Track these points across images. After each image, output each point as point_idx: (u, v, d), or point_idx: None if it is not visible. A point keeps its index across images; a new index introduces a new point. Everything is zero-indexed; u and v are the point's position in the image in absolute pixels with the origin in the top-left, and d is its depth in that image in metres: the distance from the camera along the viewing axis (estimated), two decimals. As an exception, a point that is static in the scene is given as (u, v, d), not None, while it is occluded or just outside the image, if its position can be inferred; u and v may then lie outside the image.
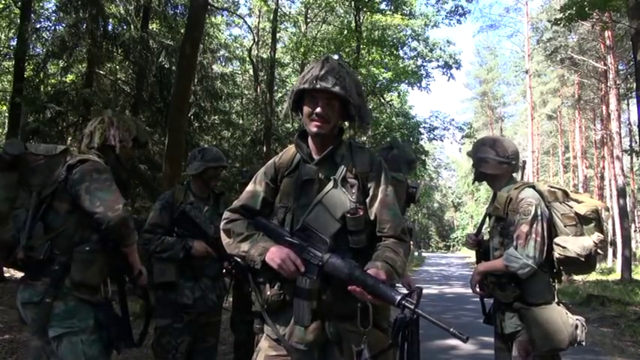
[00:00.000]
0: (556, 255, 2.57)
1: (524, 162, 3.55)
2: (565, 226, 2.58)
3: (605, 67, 20.24)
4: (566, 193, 2.67)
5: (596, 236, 2.53)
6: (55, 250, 2.09)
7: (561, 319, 2.51)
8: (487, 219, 2.94)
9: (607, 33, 18.71)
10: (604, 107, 22.61)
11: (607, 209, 2.73)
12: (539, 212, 2.53)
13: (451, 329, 1.46)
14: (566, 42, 22.51)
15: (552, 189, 2.68)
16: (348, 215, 1.72)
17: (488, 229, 2.96)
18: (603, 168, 25.77)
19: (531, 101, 29.45)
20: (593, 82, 23.43)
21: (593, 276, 16.25)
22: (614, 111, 18.99)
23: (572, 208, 2.60)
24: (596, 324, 7.82)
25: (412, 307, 1.51)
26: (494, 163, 2.73)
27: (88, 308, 2.10)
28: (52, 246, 2.09)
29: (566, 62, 22.69)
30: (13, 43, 15.40)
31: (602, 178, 26.53)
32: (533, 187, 2.68)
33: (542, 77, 31.13)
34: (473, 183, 3.00)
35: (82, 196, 2.08)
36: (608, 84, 19.73)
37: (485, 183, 2.92)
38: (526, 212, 2.52)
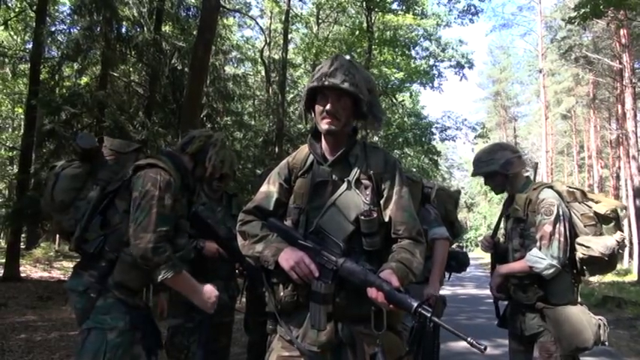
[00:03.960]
0: (579, 255, 2.56)
1: (537, 163, 3.55)
2: (585, 226, 2.58)
3: (620, 66, 19.96)
4: (584, 194, 2.67)
5: (619, 235, 2.54)
6: (106, 246, 2.08)
7: (585, 318, 2.50)
8: (502, 221, 2.93)
9: (622, 31, 18.47)
10: (619, 106, 22.28)
11: (624, 209, 2.72)
12: (561, 212, 2.53)
13: (469, 339, 1.42)
14: (581, 40, 22.26)
15: (571, 189, 2.68)
16: (362, 217, 1.70)
17: (504, 232, 2.95)
18: (619, 168, 25.43)
19: (545, 101, 29.18)
20: (609, 80, 23.11)
21: (609, 277, 16.02)
22: (629, 110, 18.70)
23: (591, 208, 2.60)
24: (612, 326, 7.64)
25: (429, 314, 1.49)
26: (517, 161, 2.76)
27: (123, 309, 2.08)
28: (104, 242, 2.08)
29: (581, 61, 22.41)
30: (29, 46, 15.65)
31: (617, 178, 26.21)
32: (552, 187, 2.67)
33: (557, 76, 30.81)
34: (502, 192, 2.92)
35: (131, 204, 2.05)
36: (624, 83, 19.44)
37: None
38: (548, 212, 2.52)
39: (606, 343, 2.53)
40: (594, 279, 14.49)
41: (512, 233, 2.74)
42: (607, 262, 2.54)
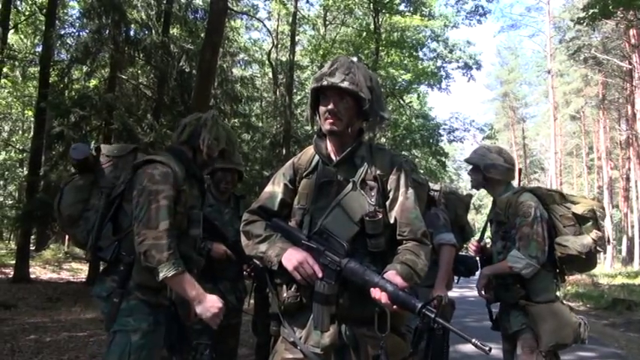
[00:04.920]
0: (558, 254, 2.68)
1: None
2: (564, 227, 2.70)
3: (630, 66, 19.84)
4: (562, 195, 2.81)
5: (595, 234, 2.65)
6: (122, 251, 2.08)
7: (566, 316, 2.61)
8: (489, 225, 3.03)
9: (632, 31, 18.35)
10: (629, 107, 22.15)
11: (602, 208, 2.81)
12: (538, 214, 2.65)
13: (473, 340, 1.41)
14: (590, 41, 22.13)
15: (549, 192, 2.82)
16: (367, 218, 1.69)
17: (489, 236, 3.06)
18: (629, 169, 25.25)
19: (554, 101, 28.99)
20: (618, 81, 22.99)
21: (618, 279, 15.92)
22: (639, 111, 18.57)
23: (569, 209, 2.72)
24: (622, 328, 7.65)
25: (433, 315, 1.48)
26: (503, 170, 2.85)
27: (146, 310, 2.07)
28: (119, 247, 2.08)
29: (590, 61, 22.29)
30: (39, 49, 15.80)
31: (627, 179, 26.00)
32: (531, 191, 2.80)
33: (565, 77, 30.65)
34: (477, 189, 3.04)
35: (132, 202, 2.05)
36: (634, 83, 19.32)
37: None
38: (526, 214, 2.64)
39: (586, 341, 2.62)
40: (604, 281, 14.41)
41: (496, 236, 2.88)
42: (585, 260, 2.65)
